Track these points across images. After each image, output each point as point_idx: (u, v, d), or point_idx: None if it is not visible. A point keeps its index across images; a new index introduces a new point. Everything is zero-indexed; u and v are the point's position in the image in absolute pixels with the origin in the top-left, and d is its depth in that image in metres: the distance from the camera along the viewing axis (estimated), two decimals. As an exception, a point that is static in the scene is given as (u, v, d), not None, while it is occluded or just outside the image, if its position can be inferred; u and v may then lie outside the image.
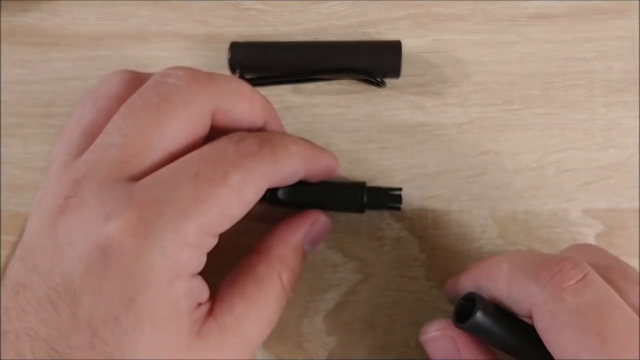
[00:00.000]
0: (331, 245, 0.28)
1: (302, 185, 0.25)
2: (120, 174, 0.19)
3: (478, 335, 0.20)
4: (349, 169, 0.28)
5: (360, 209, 0.26)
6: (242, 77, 0.28)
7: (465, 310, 0.20)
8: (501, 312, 0.20)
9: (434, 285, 0.27)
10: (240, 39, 0.29)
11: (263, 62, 0.28)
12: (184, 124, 0.20)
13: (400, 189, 0.26)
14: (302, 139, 0.24)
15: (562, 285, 0.18)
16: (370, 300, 0.27)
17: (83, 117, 0.21)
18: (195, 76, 0.21)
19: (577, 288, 0.18)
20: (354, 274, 0.27)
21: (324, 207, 0.26)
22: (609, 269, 0.20)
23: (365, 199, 0.26)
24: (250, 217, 0.28)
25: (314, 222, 0.25)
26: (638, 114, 0.28)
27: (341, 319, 0.27)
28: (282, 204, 0.26)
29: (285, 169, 0.22)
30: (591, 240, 0.27)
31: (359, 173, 0.28)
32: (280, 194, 0.26)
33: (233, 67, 0.28)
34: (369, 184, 0.27)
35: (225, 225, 0.20)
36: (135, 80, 0.21)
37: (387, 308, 0.27)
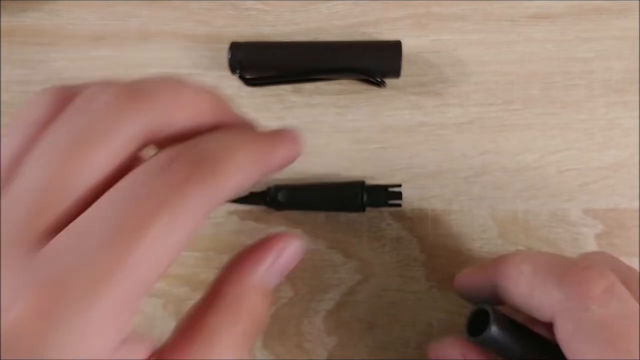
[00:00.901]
0: (331, 245, 0.28)
1: (301, 188, 0.25)
2: (28, 235, 0.16)
3: (491, 348, 0.20)
4: (349, 169, 0.28)
5: (360, 208, 0.26)
6: (242, 77, 0.28)
7: (476, 323, 0.20)
8: (514, 324, 0.20)
9: (434, 285, 0.27)
10: (240, 39, 0.29)
11: (263, 62, 0.28)
12: (109, 155, 0.17)
13: (399, 185, 0.26)
14: (251, 131, 0.20)
15: (588, 294, 0.17)
16: (370, 300, 0.27)
17: (4, 150, 0.18)
18: (122, 95, 0.17)
19: (604, 298, 0.17)
20: (354, 274, 0.27)
21: (324, 208, 0.26)
22: (626, 279, 0.19)
23: (365, 197, 0.26)
24: (251, 217, 0.28)
25: (282, 250, 0.20)
26: (638, 114, 0.28)
27: (341, 319, 0.27)
28: (282, 207, 0.26)
29: (232, 183, 0.17)
30: (591, 240, 0.27)
31: (359, 173, 0.28)
32: (280, 196, 0.26)
33: (233, 67, 0.28)
34: (369, 183, 0.27)
35: (154, 279, 0.16)
36: (64, 100, 0.18)
37: (387, 308, 0.27)
